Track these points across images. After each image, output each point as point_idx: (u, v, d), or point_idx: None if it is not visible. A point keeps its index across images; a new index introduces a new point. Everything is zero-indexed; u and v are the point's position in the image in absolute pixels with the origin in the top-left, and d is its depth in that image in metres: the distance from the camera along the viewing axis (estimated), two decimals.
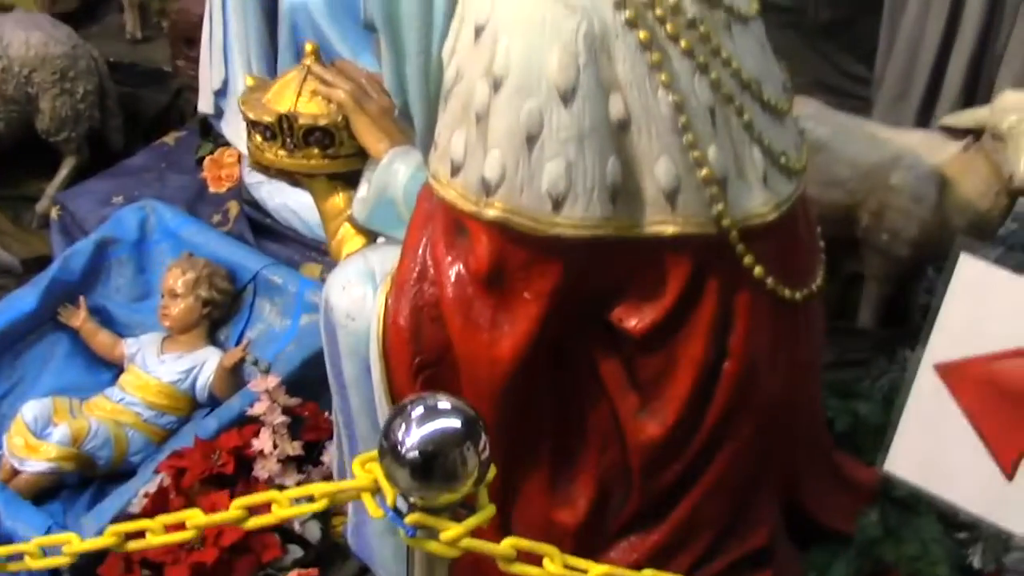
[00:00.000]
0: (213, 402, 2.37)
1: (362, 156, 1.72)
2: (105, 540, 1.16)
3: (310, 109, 1.70)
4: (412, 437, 1.09)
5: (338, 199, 1.78)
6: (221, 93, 2.78)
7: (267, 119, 1.70)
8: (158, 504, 1.93)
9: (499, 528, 1.43)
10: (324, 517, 1.97)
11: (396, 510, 1.11)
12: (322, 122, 1.70)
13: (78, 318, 2.46)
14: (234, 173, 2.82)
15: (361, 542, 1.83)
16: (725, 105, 1.43)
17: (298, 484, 2.01)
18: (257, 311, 2.49)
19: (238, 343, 2.47)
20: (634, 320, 1.48)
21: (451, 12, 1.44)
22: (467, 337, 1.49)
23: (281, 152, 1.72)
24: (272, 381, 2.02)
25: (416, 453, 1.09)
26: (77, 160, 3.17)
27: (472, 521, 1.10)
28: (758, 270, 1.49)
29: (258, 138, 1.73)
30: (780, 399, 1.61)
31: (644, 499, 1.60)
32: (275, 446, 1.98)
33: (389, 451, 1.11)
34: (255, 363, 2.12)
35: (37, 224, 3.13)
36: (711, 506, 1.62)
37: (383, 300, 1.57)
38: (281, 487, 2.01)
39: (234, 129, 2.77)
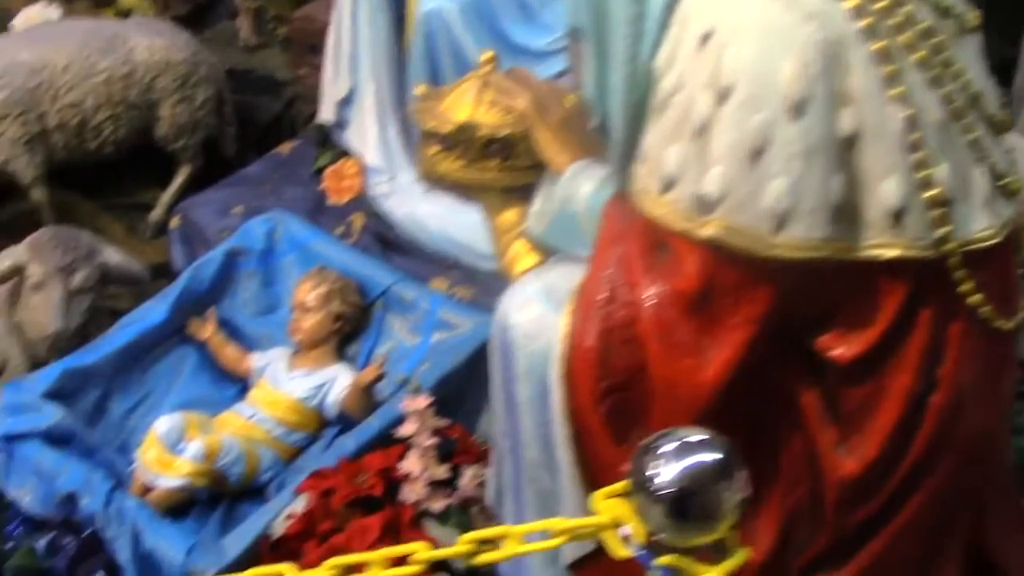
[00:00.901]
0: (342, 420, 2.30)
1: (539, 169, 1.65)
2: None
3: (490, 119, 1.64)
4: (668, 472, 1.02)
5: (511, 213, 1.72)
6: (346, 102, 2.73)
7: (445, 129, 1.64)
8: (306, 527, 1.86)
9: None
10: None
11: (646, 550, 1.03)
12: (503, 132, 1.63)
13: (207, 330, 2.41)
14: (356, 184, 2.76)
15: (518, 570, 1.76)
16: (954, 121, 1.35)
17: (445, 509, 1.93)
18: (387, 327, 2.42)
19: (367, 359, 2.40)
20: (842, 348, 1.40)
21: (664, 19, 1.36)
22: (667, 362, 1.42)
23: (457, 163, 1.66)
24: (423, 402, 1.95)
25: (674, 490, 1.01)
26: (192, 168, 3.13)
27: (729, 564, 1.02)
28: (975, 297, 1.41)
29: (433, 148, 1.67)
30: (983, 433, 1.52)
31: (832, 538, 1.52)
32: (424, 469, 1.91)
33: (641, 487, 1.03)
34: (405, 382, 2.05)
35: (151, 233, 3.09)
36: (903, 546, 1.53)
37: (567, 320, 1.50)
38: (427, 512, 1.94)
39: (360, 139, 2.71)
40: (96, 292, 2.39)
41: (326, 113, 2.78)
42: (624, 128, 1.46)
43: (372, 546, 1.80)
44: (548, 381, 1.53)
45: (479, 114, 1.65)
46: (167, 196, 3.11)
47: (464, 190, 1.73)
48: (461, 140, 1.64)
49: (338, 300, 2.36)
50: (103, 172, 3.13)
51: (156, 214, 3.10)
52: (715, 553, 1.04)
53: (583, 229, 1.58)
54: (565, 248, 1.64)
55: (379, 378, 2.23)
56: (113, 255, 2.42)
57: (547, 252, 1.68)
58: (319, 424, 2.33)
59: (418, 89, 1.78)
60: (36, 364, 2.41)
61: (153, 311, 2.38)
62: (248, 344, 2.45)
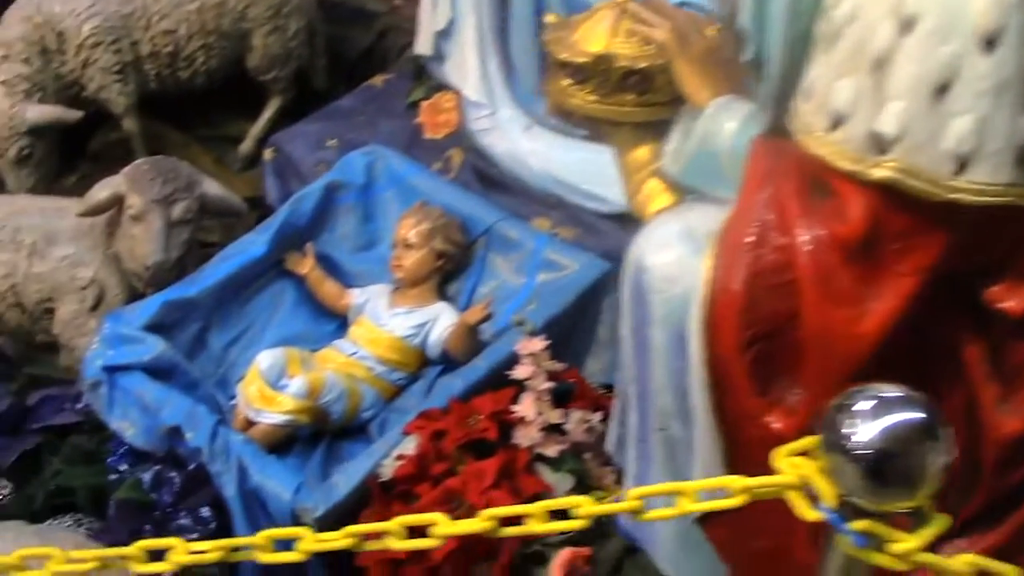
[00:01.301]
0: (444, 360, 2.25)
1: (676, 104, 1.56)
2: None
3: (627, 50, 1.55)
4: (867, 431, 0.94)
5: (643, 151, 1.63)
6: (445, 35, 2.64)
7: (581, 60, 1.55)
8: (418, 468, 1.82)
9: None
10: (584, 494, 1.83)
11: (837, 512, 0.96)
12: (641, 64, 1.54)
13: (305, 265, 2.36)
14: (452, 119, 2.67)
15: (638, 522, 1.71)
16: None
17: (559, 455, 1.88)
18: (490, 266, 2.36)
19: (469, 299, 2.34)
20: (1013, 300, 1.33)
21: None
22: (824, 311, 1.35)
23: (591, 96, 1.57)
24: (539, 344, 1.88)
25: (873, 450, 0.94)
26: (283, 100, 3.06)
27: (929, 532, 0.95)
28: None
29: (566, 80, 1.58)
30: None
31: (988, 499, 1.45)
32: (539, 413, 1.85)
33: (835, 445, 0.96)
34: (520, 324, 1.98)
35: (241, 165, 3.04)
36: None
37: (710, 264, 1.43)
38: (541, 457, 1.89)
39: (459, 73, 2.62)
40: (195, 224, 2.34)
41: (423, 46, 2.69)
42: (783, 62, 1.37)
43: (487, 491, 1.75)
44: (686, 327, 1.46)
45: (615, 45, 1.56)
46: (257, 128, 3.05)
47: (595, 125, 1.65)
48: (596, 72, 1.55)
49: (440, 237, 2.30)
50: (191, 103, 3.07)
51: (246, 146, 3.05)
52: (911, 519, 0.97)
53: (725, 168, 1.50)
54: (704, 188, 1.56)
55: (487, 318, 2.17)
56: (212, 187, 2.36)
57: (683, 192, 1.60)
58: (420, 363, 2.28)
59: (549, 18, 1.68)
60: (133, 295, 2.39)
61: (252, 244, 2.33)
62: (346, 280, 2.40)
